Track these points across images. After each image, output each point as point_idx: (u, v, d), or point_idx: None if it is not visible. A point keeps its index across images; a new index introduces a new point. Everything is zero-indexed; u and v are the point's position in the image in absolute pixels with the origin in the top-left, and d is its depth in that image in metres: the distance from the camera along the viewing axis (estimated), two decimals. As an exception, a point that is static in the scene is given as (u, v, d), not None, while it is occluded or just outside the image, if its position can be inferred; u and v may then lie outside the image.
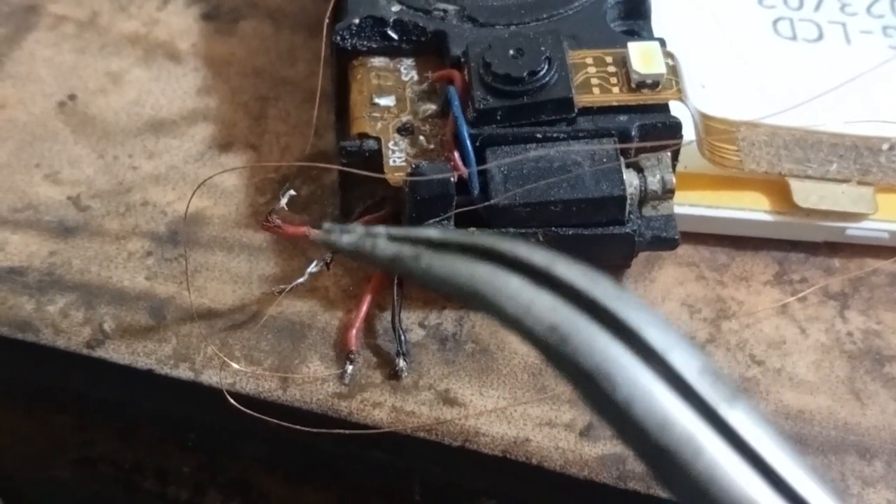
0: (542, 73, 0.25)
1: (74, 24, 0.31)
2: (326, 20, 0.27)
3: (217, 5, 0.32)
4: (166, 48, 0.31)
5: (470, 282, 0.17)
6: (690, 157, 0.27)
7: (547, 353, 0.17)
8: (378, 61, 0.27)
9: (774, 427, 0.16)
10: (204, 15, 0.32)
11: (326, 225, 0.20)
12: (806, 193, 0.27)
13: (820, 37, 0.31)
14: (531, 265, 0.17)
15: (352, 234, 0.19)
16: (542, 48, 0.26)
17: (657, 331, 0.16)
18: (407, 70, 0.27)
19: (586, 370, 0.16)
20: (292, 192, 0.25)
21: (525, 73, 0.25)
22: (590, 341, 0.16)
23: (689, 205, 0.27)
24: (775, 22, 0.31)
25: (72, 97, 0.30)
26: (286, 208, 0.25)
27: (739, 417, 0.16)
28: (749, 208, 0.28)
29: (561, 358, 0.16)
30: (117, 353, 0.26)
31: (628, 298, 0.16)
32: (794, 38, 0.31)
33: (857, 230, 0.28)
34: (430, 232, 0.18)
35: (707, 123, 0.27)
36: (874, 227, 0.28)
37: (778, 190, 0.28)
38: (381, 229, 0.19)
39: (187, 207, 0.27)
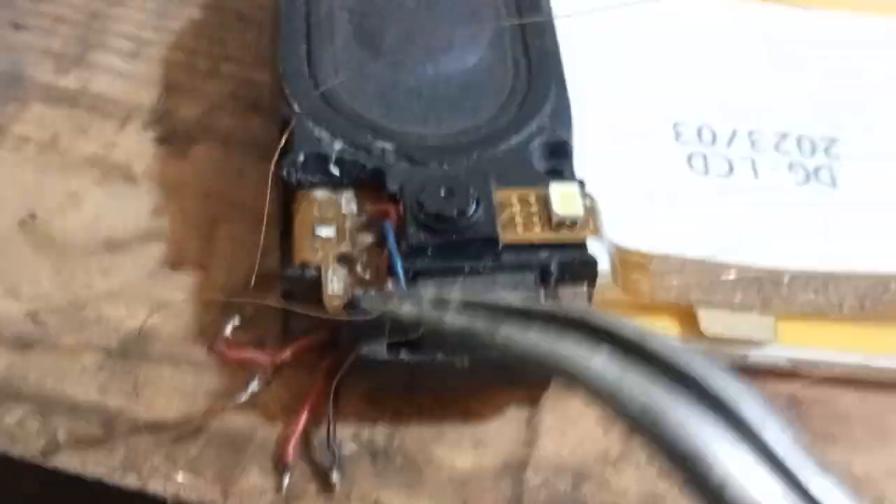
0: (470, 212, 0.28)
1: (37, 144, 0.33)
2: (275, 157, 0.29)
3: (172, 129, 0.34)
4: (123, 170, 0.33)
5: (553, 357, 0.17)
6: (606, 286, 0.29)
7: (640, 433, 0.16)
8: (321, 193, 0.29)
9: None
10: (159, 138, 0.34)
11: (387, 291, 0.18)
12: (712, 322, 0.30)
13: (731, 171, 0.34)
14: (621, 337, 0.17)
15: (414, 303, 0.19)
16: (471, 189, 0.28)
17: (752, 406, 0.16)
18: (347, 202, 0.29)
19: (680, 453, 0.16)
20: (236, 321, 0.27)
21: (455, 213, 0.28)
22: (684, 423, 0.16)
23: (605, 331, 0.30)
24: (689, 157, 0.34)
25: (32, 216, 0.32)
26: (229, 337, 0.27)
27: (830, 490, 0.16)
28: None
29: (655, 439, 0.16)
30: (69, 462, 0.28)
31: (723, 373, 0.16)
32: (706, 172, 0.33)
33: (759, 356, 0.30)
34: (510, 299, 0.18)
35: (622, 256, 0.30)
36: (774, 353, 0.30)
37: (687, 317, 0.30)
38: (453, 295, 0.18)
39: (142, 326, 0.29)
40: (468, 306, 0.18)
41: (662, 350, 0.17)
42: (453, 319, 0.18)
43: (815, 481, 0.16)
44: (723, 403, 0.16)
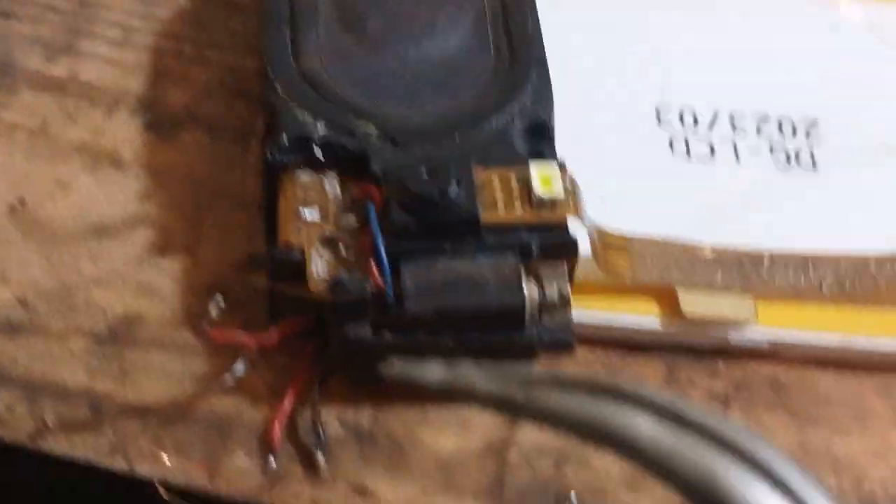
0: (451, 194, 0.28)
1: (26, 131, 0.34)
2: (261, 140, 0.29)
3: (159, 115, 0.34)
4: (111, 156, 0.33)
5: (597, 420, 0.17)
6: (587, 267, 0.30)
7: (695, 497, 0.17)
8: (305, 175, 0.30)
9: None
10: (146, 125, 0.34)
11: (398, 362, 0.19)
12: (693, 302, 0.30)
13: (712, 154, 0.34)
14: (656, 404, 0.17)
15: (438, 372, 0.18)
16: (453, 170, 0.28)
17: (787, 469, 0.17)
18: (331, 184, 0.30)
19: None
20: (220, 301, 0.28)
21: (436, 194, 0.28)
22: (739, 487, 0.17)
23: (586, 311, 0.30)
24: (671, 140, 0.34)
25: (22, 202, 0.32)
26: (214, 317, 0.27)
27: None
28: (641, 315, 0.30)
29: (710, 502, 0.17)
30: (58, 445, 0.28)
31: (757, 437, 0.17)
32: (688, 155, 0.34)
33: (739, 337, 0.30)
34: (535, 372, 0.18)
35: (602, 237, 0.30)
36: (754, 335, 0.30)
37: (667, 299, 0.30)
38: (471, 368, 0.18)
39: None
40: (496, 377, 0.18)
41: (697, 415, 0.17)
42: (486, 387, 0.18)
43: None
44: (762, 466, 0.17)
